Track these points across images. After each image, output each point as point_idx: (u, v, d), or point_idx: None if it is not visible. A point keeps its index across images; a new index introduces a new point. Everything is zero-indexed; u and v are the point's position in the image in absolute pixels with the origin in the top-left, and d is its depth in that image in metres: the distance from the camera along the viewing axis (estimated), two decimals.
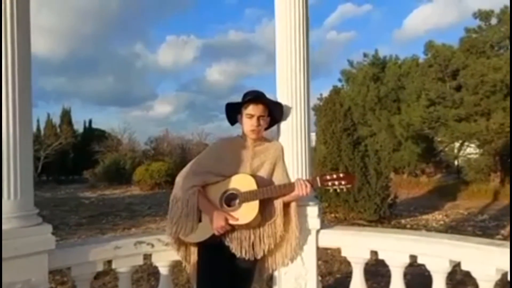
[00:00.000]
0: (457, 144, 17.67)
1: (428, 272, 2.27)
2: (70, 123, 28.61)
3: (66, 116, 28.61)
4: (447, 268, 2.17)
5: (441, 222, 10.19)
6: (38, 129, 26.39)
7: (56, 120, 28.16)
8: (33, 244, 1.93)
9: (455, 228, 9.15)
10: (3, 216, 1.86)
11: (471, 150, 17.12)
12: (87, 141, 27.11)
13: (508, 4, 13.98)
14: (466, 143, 17.15)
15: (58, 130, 27.15)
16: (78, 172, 25.52)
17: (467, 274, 2.14)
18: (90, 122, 30.61)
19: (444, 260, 2.17)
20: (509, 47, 14.13)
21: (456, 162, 19.51)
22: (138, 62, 60.91)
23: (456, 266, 2.17)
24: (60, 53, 57.20)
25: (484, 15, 15.35)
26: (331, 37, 68.77)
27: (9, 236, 1.85)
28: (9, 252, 1.84)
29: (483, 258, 2.03)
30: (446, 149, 18.21)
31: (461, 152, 17.77)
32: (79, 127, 30.08)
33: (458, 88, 15.42)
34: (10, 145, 1.88)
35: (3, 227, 1.85)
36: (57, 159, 25.23)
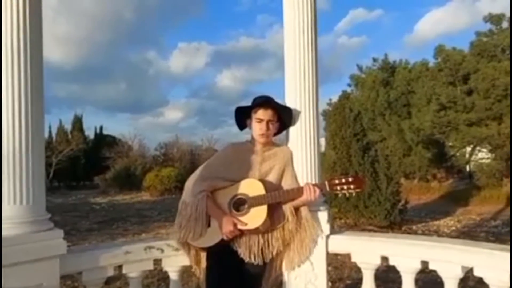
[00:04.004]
0: (468, 149, 17.47)
1: (440, 278, 2.24)
2: (81, 129, 28.96)
3: (77, 122, 28.97)
4: (459, 274, 2.14)
5: (453, 228, 10.07)
6: (50, 135, 26.74)
7: (68, 126, 28.54)
8: (44, 249, 1.94)
9: (467, 234, 9.03)
10: (15, 221, 1.89)
11: (483, 154, 16.91)
12: (98, 147, 27.39)
13: None
14: (477, 148, 16.95)
15: (70, 136, 27.46)
16: (89, 178, 25.78)
17: (480, 280, 2.11)
18: (101, 128, 30.97)
19: (456, 266, 2.14)
20: None
21: (467, 167, 19.28)
22: (150, 69, 61.50)
23: (469, 272, 2.14)
24: (74, 61, 58.01)
25: (495, 19, 15.25)
26: (342, 42, 68.69)
27: (21, 241, 1.87)
28: (21, 256, 1.86)
29: (496, 264, 2.00)
30: (458, 154, 18.01)
31: (473, 157, 17.55)
32: (90, 133, 30.43)
33: (469, 92, 15.29)
34: (22, 151, 1.91)
35: (15, 232, 1.88)
36: (68, 165, 25.52)
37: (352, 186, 2.14)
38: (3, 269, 1.81)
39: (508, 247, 2.09)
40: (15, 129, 1.90)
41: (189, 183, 2.32)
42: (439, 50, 16.57)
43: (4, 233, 1.85)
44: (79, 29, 56.17)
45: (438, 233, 9.31)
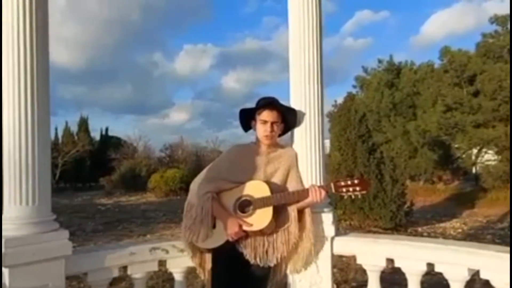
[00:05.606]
0: (474, 151, 17.36)
1: (446, 280, 2.23)
2: (87, 131, 29.08)
3: (83, 124, 29.10)
4: (466, 276, 2.13)
5: (459, 230, 10.01)
6: (56, 136, 26.86)
7: (74, 128, 28.68)
8: (50, 250, 1.96)
9: (473, 236, 8.97)
10: (21, 221, 1.90)
11: (489, 156, 16.80)
12: (104, 149, 27.49)
13: None
14: (484, 150, 16.84)
15: (76, 138, 27.59)
16: (95, 179, 25.84)
17: (486, 282, 2.10)
18: (106, 130, 31.08)
19: (462, 268, 2.12)
20: None
21: (474, 169, 19.14)
22: (156, 71, 61.50)
23: (475, 274, 2.13)
24: (81, 63, 58.23)
25: (501, 20, 15.17)
26: (347, 43, 68.26)
27: (27, 242, 1.88)
28: (27, 257, 1.87)
29: (503, 267, 1.98)
30: (464, 155, 17.90)
31: (479, 158, 17.43)
32: (96, 134, 30.55)
33: (476, 94, 15.21)
34: (28, 152, 1.93)
35: (21, 232, 1.89)
36: (74, 166, 25.63)
37: (357, 188, 2.13)
38: (9, 270, 1.83)
39: None
40: (21, 130, 1.91)
41: (194, 185, 2.32)
42: (445, 51, 16.51)
43: (10, 233, 1.86)
44: (86, 31, 56.40)
45: (444, 235, 9.24)
